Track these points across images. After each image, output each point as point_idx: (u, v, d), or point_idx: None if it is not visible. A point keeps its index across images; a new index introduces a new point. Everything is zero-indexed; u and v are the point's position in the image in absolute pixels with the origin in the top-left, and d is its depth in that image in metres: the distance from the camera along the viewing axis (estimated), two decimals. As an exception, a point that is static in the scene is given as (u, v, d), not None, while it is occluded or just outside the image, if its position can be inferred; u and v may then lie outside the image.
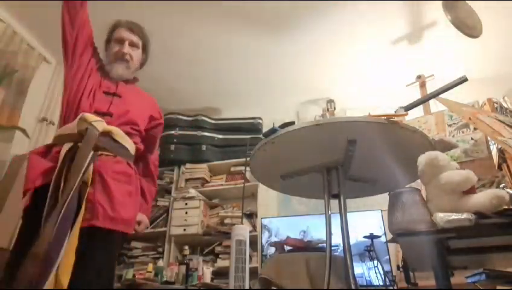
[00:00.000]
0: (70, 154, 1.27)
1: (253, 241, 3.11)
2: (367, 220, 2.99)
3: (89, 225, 1.19)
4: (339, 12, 2.93)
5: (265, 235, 3.26)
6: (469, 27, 2.69)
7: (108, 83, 1.55)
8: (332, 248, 1.38)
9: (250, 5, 2.85)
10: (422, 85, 3.46)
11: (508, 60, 3.37)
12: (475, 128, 2.61)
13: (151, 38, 1.75)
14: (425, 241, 1.07)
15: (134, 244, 3.41)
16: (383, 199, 1.42)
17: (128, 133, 1.46)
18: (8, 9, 2.82)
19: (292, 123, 1.36)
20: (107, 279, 1.27)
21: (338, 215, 1.38)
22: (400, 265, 2.22)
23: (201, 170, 3.63)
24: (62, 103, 1.49)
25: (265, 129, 3.61)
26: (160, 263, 3.11)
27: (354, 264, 1.38)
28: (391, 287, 2.65)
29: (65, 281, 1.06)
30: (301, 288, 1.44)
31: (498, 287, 1.65)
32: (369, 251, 2.63)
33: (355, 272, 1.31)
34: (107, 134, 1.37)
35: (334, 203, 1.42)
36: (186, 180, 3.60)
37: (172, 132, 3.76)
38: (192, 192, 3.45)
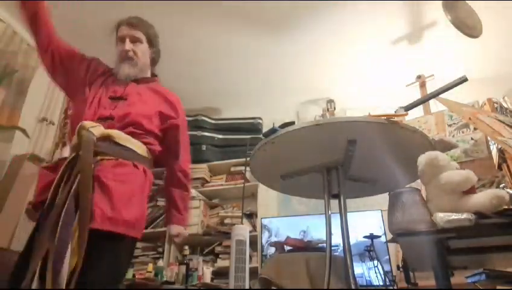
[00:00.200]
0: (71, 164, 1.27)
1: (253, 241, 3.11)
2: (367, 220, 2.99)
3: (90, 229, 1.17)
4: (339, 12, 2.93)
5: (265, 235, 3.26)
6: (469, 27, 2.69)
7: (116, 86, 1.51)
8: (332, 248, 1.38)
9: (250, 5, 2.85)
10: (422, 85, 3.46)
11: (508, 60, 3.37)
12: (475, 128, 2.61)
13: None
14: (425, 241, 1.07)
15: (134, 244, 3.41)
16: (383, 199, 1.42)
17: (132, 134, 1.41)
18: (8, 9, 2.82)
19: (292, 123, 1.36)
20: (112, 283, 1.22)
21: (338, 215, 1.38)
22: (400, 265, 2.22)
23: (201, 170, 3.63)
24: (70, 119, 1.50)
25: (265, 129, 3.61)
26: (160, 263, 3.11)
27: (354, 264, 1.38)
28: (391, 287, 2.65)
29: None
30: (301, 288, 1.44)
31: (498, 287, 1.65)
32: (369, 251, 2.63)
33: (355, 272, 1.31)
34: (107, 138, 1.35)
35: (334, 203, 1.42)
36: (187, 180, 3.60)
37: (172, 132, 3.75)
38: (192, 192, 3.44)
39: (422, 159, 1.15)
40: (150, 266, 2.99)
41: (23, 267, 1.12)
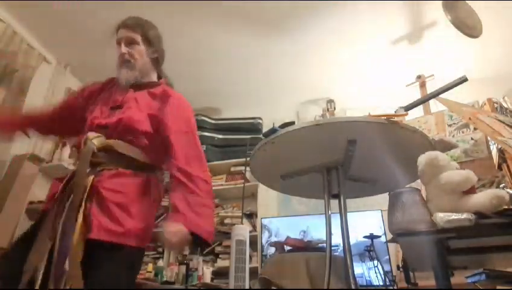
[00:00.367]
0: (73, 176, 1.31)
1: (253, 241, 3.11)
2: (367, 220, 2.99)
3: (87, 239, 1.17)
4: (339, 12, 2.93)
5: (265, 235, 3.26)
6: (469, 27, 2.69)
7: (117, 96, 1.49)
8: (332, 248, 1.38)
9: (250, 5, 2.85)
10: (422, 85, 3.46)
11: (508, 60, 3.37)
12: (475, 129, 2.60)
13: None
14: (425, 241, 1.07)
15: (134, 244, 3.40)
16: (383, 199, 1.42)
17: (131, 142, 1.38)
18: (8, 9, 2.82)
19: (292, 123, 1.36)
20: None
21: (338, 215, 1.37)
22: (400, 265, 2.22)
23: (201, 170, 3.62)
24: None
25: (265, 129, 3.61)
26: (160, 263, 3.11)
27: (354, 264, 1.38)
28: (391, 287, 2.65)
29: None
30: (301, 288, 1.44)
31: (498, 287, 1.65)
32: (369, 251, 2.63)
33: (355, 272, 1.31)
34: (107, 148, 1.34)
35: (334, 203, 1.42)
36: (187, 180, 3.60)
37: (172, 132, 3.76)
38: (192, 192, 3.44)
39: (422, 159, 1.15)
40: (150, 266, 2.99)
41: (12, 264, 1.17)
